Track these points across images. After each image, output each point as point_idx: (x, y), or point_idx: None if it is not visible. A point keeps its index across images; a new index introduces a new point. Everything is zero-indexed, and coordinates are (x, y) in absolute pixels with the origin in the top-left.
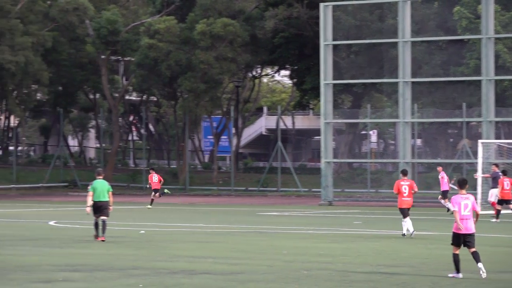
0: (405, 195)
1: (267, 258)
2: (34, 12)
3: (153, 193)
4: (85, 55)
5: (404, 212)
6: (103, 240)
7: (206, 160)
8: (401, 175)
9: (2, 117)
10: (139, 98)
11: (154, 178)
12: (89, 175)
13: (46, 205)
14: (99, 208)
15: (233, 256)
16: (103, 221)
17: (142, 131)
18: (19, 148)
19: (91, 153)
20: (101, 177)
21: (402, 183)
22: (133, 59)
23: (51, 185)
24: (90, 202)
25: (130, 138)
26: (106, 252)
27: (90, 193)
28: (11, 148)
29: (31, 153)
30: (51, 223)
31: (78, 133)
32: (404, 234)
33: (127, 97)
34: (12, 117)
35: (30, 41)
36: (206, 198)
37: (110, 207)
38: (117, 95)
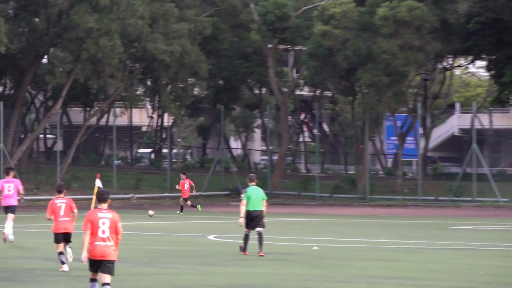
0: None
1: (460, 279)
2: None
3: (183, 200)
4: (250, 44)
5: None
6: (261, 255)
7: (389, 165)
8: None
9: (155, 116)
10: (311, 93)
11: (186, 185)
12: None
13: (205, 217)
14: (254, 219)
15: (420, 276)
16: (260, 233)
17: (315, 131)
18: (174, 151)
19: (256, 157)
20: (254, 183)
21: None
22: (304, 48)
23: (210, 194)
24: (243, 212)
25: (301, 139)
26: (273, 271)
27: (244, 202)
28: (164, 151)
29: (188, 156)
30: (211, 237)
31: (241, 133)
32: None
33: (297, 92)
34: (166, 116)
35: (186, 28)
36: (389, 209)
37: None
38: (286, 90)
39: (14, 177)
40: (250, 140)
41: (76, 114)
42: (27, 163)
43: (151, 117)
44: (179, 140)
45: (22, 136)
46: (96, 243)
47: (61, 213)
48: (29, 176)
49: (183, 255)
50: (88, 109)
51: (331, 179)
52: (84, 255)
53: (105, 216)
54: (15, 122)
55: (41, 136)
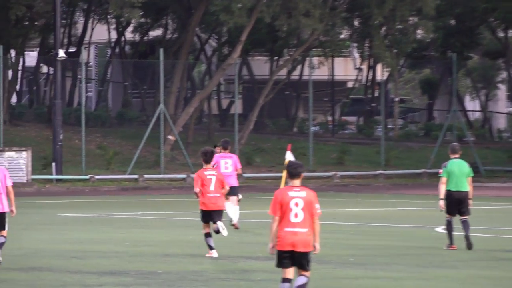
0: None
1: None
2: None
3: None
4: None
5: None
6: (454, 249)
7: None
8: None
9: (364, 67)
10: None
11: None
12: (496, 156)
13: (431, 202)
14: (457, 203)
15: None
16: (464, 221)
17: None
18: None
19: (501, 122)
20: (457, 155)
21: None
22: None
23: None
24: (443, 192)
25: None
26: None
27: (443, 179)
28: (377, 117)
29: (408, 121)
30: (439, 229)
31: (480, 91)
32: None
33: None
34: (379, 67)
35: None
36: None
37: (470, 201)
38: None
39: (231, 152)
40: (492, 100)
41: (260, 66)
42: (195, 131)
43: (359, 69)
44: (396, 99)
45: (189, 94)
46: (287, 229)
47: (211, 187)
48: (198, 148)
49: (402, 253)
50: (276, 58)
51: None
52: (272, 245)
53: (298, 195)
54: (179, 76)
55: (214, 95)
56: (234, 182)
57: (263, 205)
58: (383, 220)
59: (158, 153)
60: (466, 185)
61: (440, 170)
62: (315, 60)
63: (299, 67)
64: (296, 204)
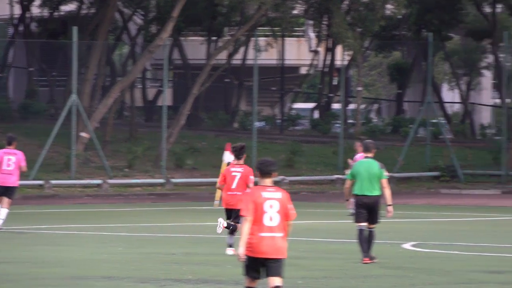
0: None
1: None
2: None
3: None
4: None
5: None
6: (366, 262)
7: None
8: None
9: (321, 50)
10: None
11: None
12: (479, 157)
13: (399, 213)
14: (367, 209)
15: None
16: (371, 232)
17: None
18: (351, 106)
19: (485, 116)
20: (369, 154)
21: None
22: None
23: (409, 175)
24: (347, 195)
25: None
26: None
27: (348, 182)
28: (336, 106)
29: (373, 115)
30: (407, 246)
31: (461, 78)
32: None
33: None
34: (339, 50)
35: None
36: None
37: (389, 207)
38: None
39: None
40: (475, 89)
41: (195, 48)
42: (115, 126)
43: (315, 52)
44: (359, 89)
45: (108, 82)
46: (262, 234)
47: (233, 185)
48: (118, 147)
49: (361, 274)
50: (215, 39)
51: None
52: (242, 251)
53: (273, 197)
54: (96, 60)
55: (139, 83)
56: (15, 182)
57: (195, 217)
58: (342, 235)
59: (69, 154)
60: (376, 189)
61: (347, 170)
62: (262, 41)
63: (242, 49)
64: (271, 206)
